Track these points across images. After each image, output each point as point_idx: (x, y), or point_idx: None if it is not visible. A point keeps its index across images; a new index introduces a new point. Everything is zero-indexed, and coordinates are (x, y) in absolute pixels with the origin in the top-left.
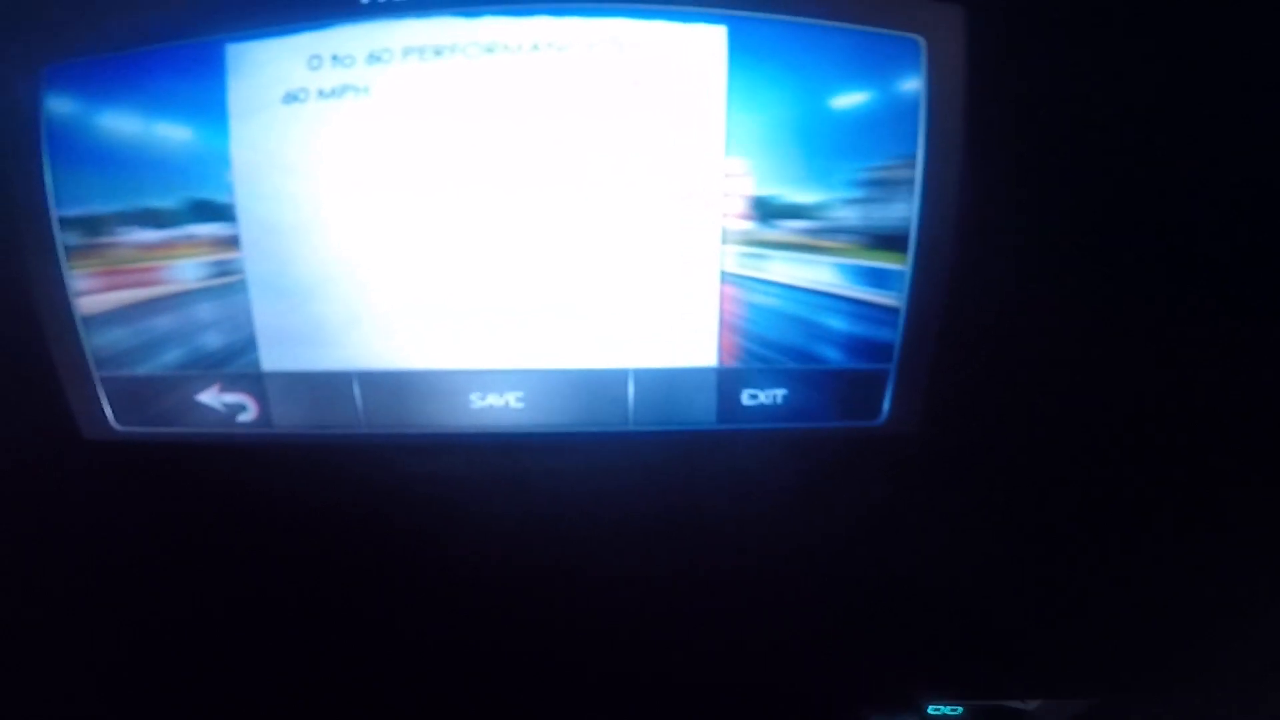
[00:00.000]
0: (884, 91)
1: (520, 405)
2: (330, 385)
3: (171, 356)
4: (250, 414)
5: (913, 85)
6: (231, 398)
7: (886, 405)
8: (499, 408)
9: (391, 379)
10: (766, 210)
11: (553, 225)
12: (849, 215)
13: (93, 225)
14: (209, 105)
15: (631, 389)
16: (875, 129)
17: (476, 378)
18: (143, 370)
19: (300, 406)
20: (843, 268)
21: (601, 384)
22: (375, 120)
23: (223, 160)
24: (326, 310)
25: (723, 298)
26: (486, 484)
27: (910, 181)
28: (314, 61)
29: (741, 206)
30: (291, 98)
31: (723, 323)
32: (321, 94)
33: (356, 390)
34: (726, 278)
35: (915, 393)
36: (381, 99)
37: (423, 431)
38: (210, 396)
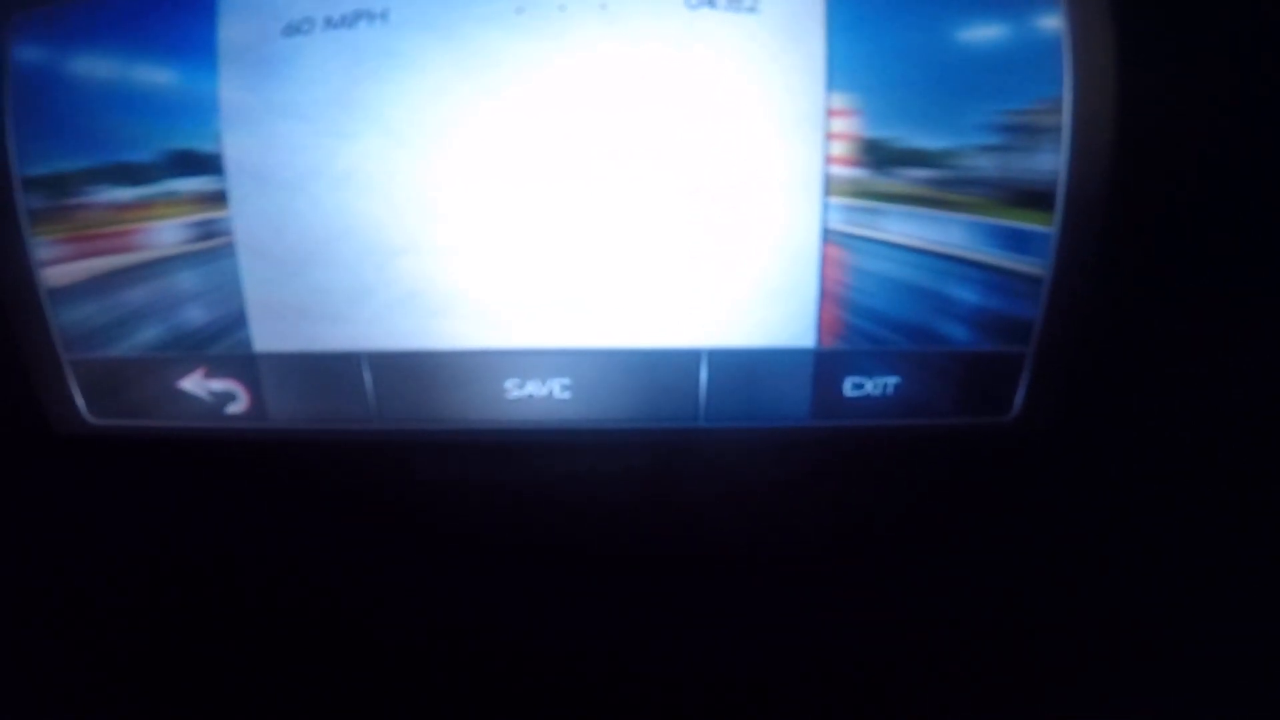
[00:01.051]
0: (1020, 19)
1: (566, 395)
2: (335, 369)
3: (149, 335)
4: (241, 404)
5: (1054, 14)
6: (219, 384)
7: (1020, 397)
8: (540, 398)
9: (409, 362)
10: (882, 156)
11: (608, 170)
12: (983, 165)
13: (58, 185)
14: (195, 40)
15: (704, 375)
16: (1012, 64)
17: (513, 360)
18: (117, 352)
19: (300, 395)
20: (974, 227)
21: (667, 368)
22: (394, 53)
23: (209, 104)
24: (331, 279)
25: (824, 261)
26: (524, 491)
27: (1056, 128)
28: None
29: (850, 151)
30: (294, 29)
31: (823, 293)
32: (330, 23)
33: (367, 375)
34: (830, 236)
35: (1056, 382)
36: (402, 27)
37: (447, 427)
38: (194, 383)
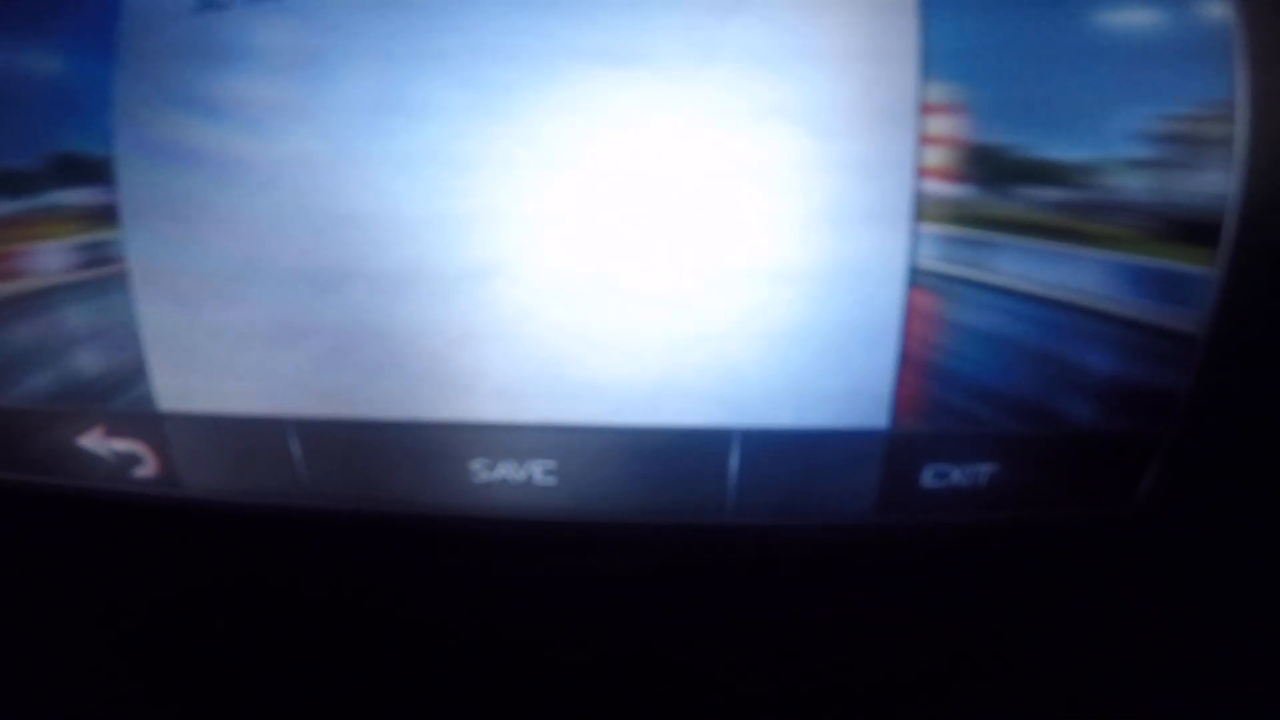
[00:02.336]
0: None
1: (551, 481)
2: (256, 438)
3: (40, 383)
4: (149, 468)
5: None
6: (122, 445)
7: (1149, 481)
8: (516, 484)
9: (347, 434)
10: (996, 169)
11: (610, 185)
12: (1131, 185)
13: None
14: (87, 16)
15: (735, 462)
16: (1169, 54)
17: (481, 437)
18: (5, 401)
19: (216, 464)
20: (1114, 268)
21: (684, 454)
22: (331, 30)
23: (100, 97)
24: (246, 320)
25: (909, 312)
26: (495, 597)
27: (1227, 141)
28: None
29: (952, 161)
30: (208, 3)
31: (904, 356)
32: None
33: (295, 446)
34: (919, 279)
35: (1197, 464)
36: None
37: (395, 511)
38: (95, 442)
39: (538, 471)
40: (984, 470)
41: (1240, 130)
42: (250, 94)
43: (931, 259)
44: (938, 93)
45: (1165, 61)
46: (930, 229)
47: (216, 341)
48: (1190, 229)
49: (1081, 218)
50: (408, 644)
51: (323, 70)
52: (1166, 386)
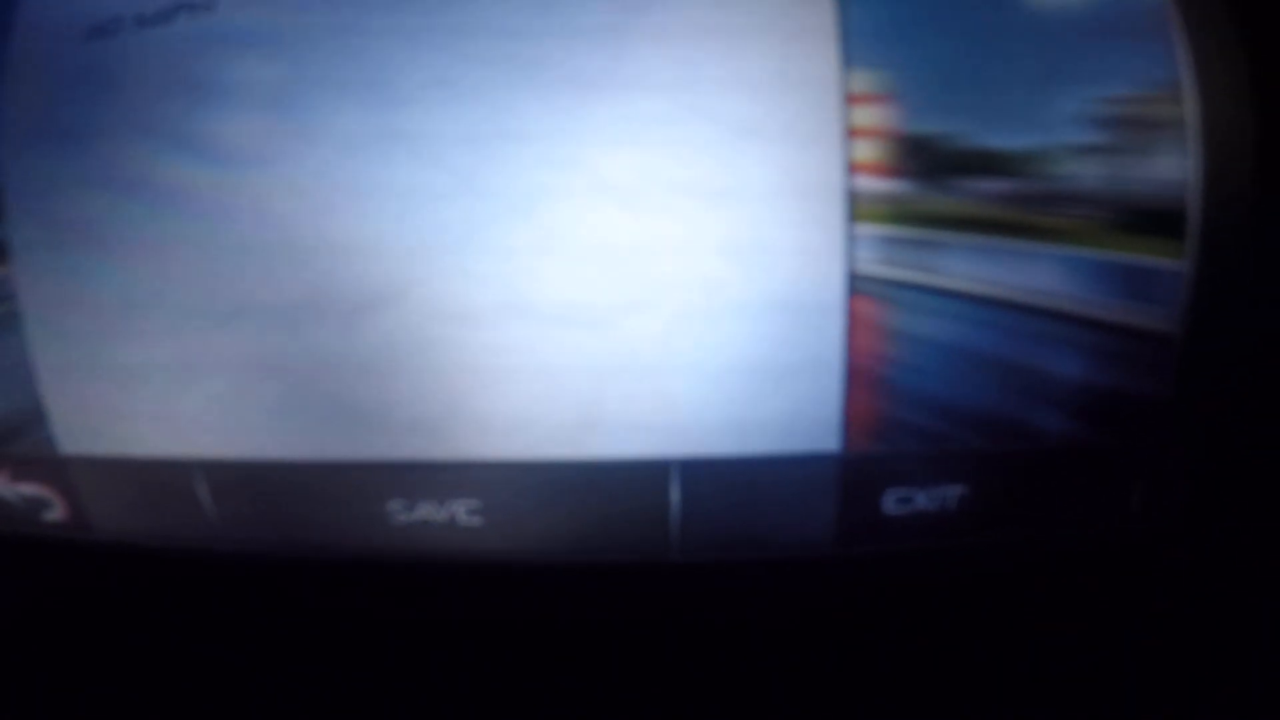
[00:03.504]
0: None
1: (476, 521)
2: (162, 480)
3: None
4: (57, 512)
5: None
6: (29, 489)
7: (1137, 499)
8: (438, 524)
9: (255, 475)
10: (933, 161)
11: (521, 197)
12: (1082, 172)
13: None
14: None
15: (676, 495)
16: (1108, 31)
17: (397, 476)
18: None
19: (125, 507)
20: (1073, 264)
21: (622, 486)
22: (222, 50)
23: None
24: (143, 359)
25: (851, 322)
26: (419, 644)
27: (1179, 123)
28: None
29: (884, 154)
30: (100, 30)
31: (850, 370)
32: (141, 20)
33: (202, 490)
34: (859, 285)
35: (1185, 477)
36: (233, 16)
37: (308, 555)
38: (1, 486)
39: (461, 511)
40: (951, 493)
41: (1190, 111)
42: (140, 121)
43: (871, 262)
44: (861, 81)
45: (1104, 39)
46: (867, 230)
47: (115, 381)
48: (1152, 218)
49: (1032, 211)
50: (325, 691)
51: (213, 97)
52: (1145, 392)
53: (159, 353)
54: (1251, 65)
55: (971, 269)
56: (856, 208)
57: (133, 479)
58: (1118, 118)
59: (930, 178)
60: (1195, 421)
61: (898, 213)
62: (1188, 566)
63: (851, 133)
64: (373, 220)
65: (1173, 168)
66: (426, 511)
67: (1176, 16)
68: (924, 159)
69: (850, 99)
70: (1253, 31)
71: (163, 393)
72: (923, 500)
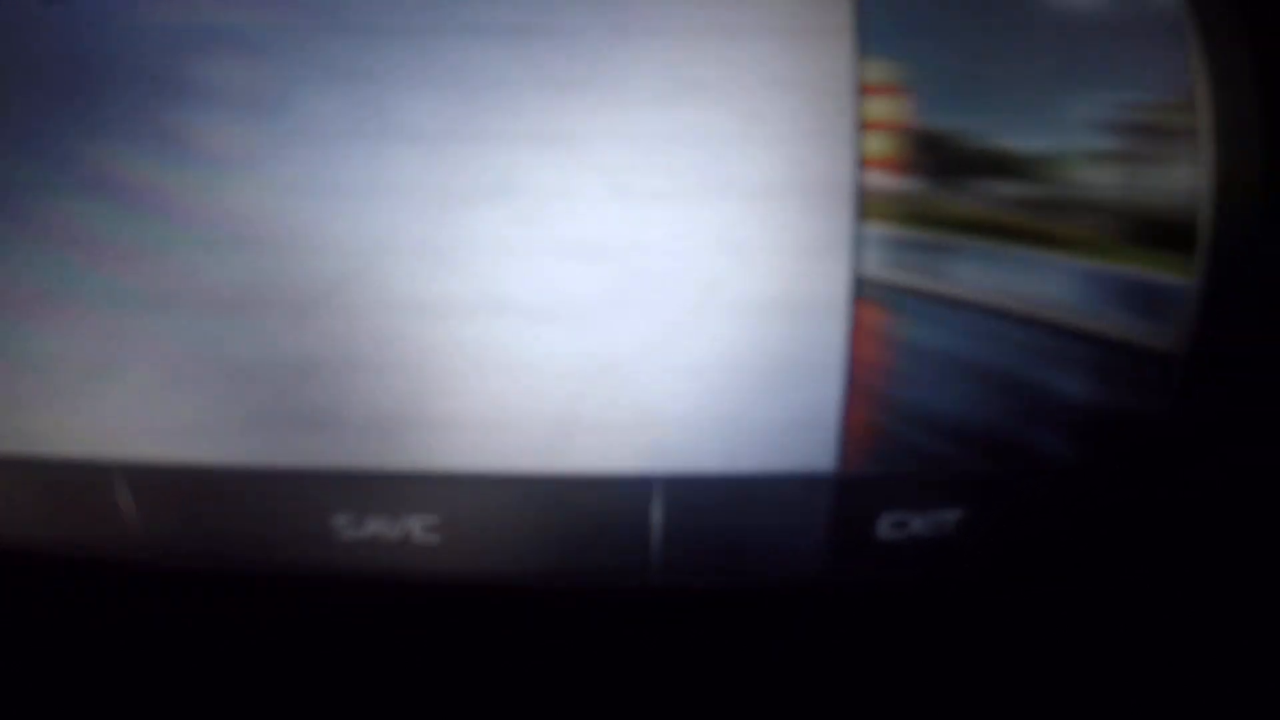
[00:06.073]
0: None
1: (433, 540)
2: (78, 483)
3: None
4: None
5: None
6: None
7: (1142, 519)
8: (391, 541)
9: (183, 482)
10: (948, 159)
11: (509, 183)
12: (1097, 180)
13: None
14: None
15: (658, 514)
16: (1124, 38)
17: (344, 487)
18: None
19: (37, 509)
20: (1082, 277)
21: (599, 504)
22: (175, 22)
23: None
24: (57, 350)
25: (856, 330)
26: (365, 670)
27: (1192, 132)
28: None
29: (898, 150)
30: None
31: (852, 384)
32: None
33: (123, 495)
34: (866, 290)
35: (1191, 496)
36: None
37: (247, 570)
38: None
39: (416, 528)
40: (949, 517)
41: (1203, 120)
42: (84, 80)
43: (879, 265)
44: (876, 71)
45: (1119, 43)
46: (876, 229)
47: (22, 373)
48: (1162, 230)
49: (1043, 217)
50: (263, 714)
51: (177, 55)
52: (1149, 412)
53: (74, 345)
54: (1264, 75)
55: (980, 277)
56: (866, 205)
57: (44, 480)
58: (1131, 124)
59: (943, 176)
60: (1199, 444)
61: (908, 212)
62: (1195, 592)
63: (865, 125)
64: (327, 202)
65: (1184, 177)
66: (377, 527)
67: (1190, 23)
68: (938, 156)
69: (864, 89)
70: (1266, 41)
71: (77, 388)
72: (919, 524)
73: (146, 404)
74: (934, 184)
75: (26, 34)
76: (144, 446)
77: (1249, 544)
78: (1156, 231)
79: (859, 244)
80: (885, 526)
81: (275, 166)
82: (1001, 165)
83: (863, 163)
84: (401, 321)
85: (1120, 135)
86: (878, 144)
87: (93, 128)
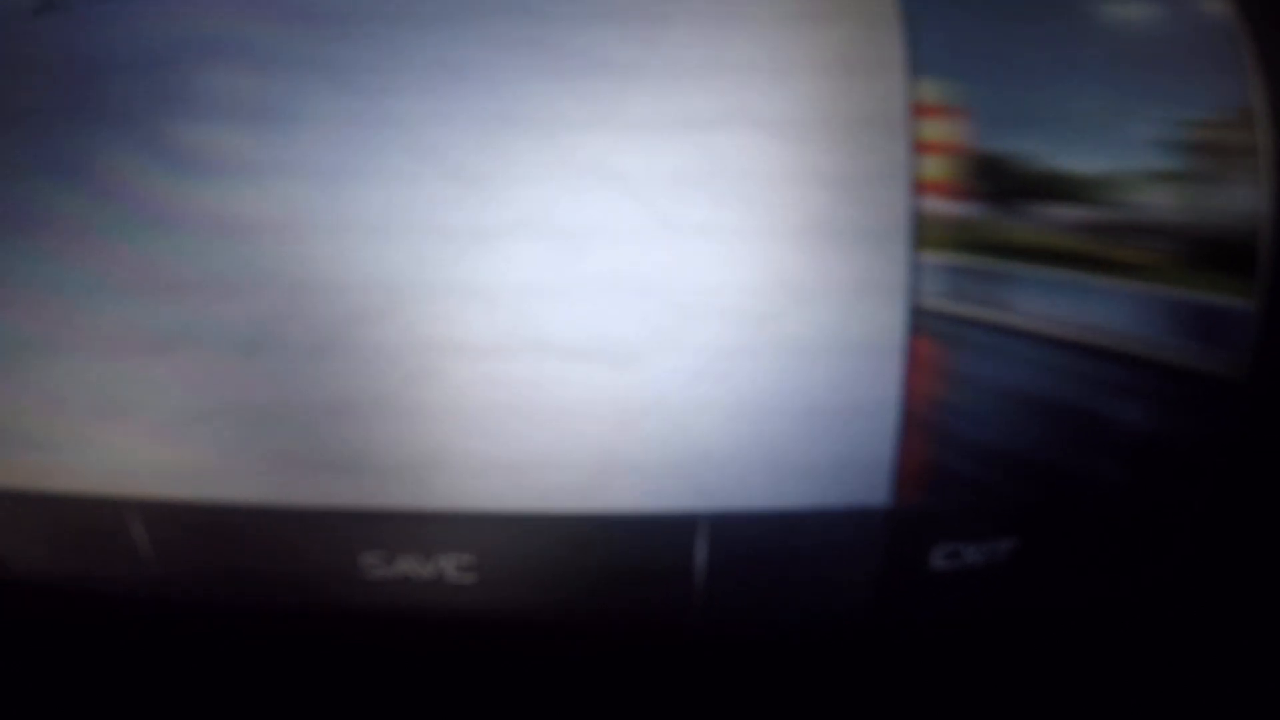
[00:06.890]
0: None
1: (469, 579)
2: (92, 521)
3: None
4: None
5: None
6: None
7: (1201, 550)
8: (423, 581)
9: (199, 519)
10: (1008, 183)
11: (547, 213)
12: (1157, 202)
13: None
14: None
15: (702, 553)
16: (1178, 52)
17: (373, 527)
18: None
19: (48, 546)
20: (1140, 302)
21: (640, 543)
22: (178, 30)
23: None
24: (71, 387)
25: (911, 364)
26: (389, 713)
27: (1251, 150)
28: None
29: (955, 173)
30: (49, 3)
31: (907, 418)
32: None
33: (139, 530)
34: (922, 322)
35: (1250, 527)
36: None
37: (266, 608)
38: None
39: (450, 568)
40: (1002, 547)
41: (1262, 138)
42: (86, 106)
43: (936, 296)
44: (931, 91)
45: (1176, 58)
46: (932, 258)
47: (34, 408)
48: (1222, 253)
49: (1103, 241)
50: None
51: (177, 71)
52: (1211, 441)
53: (91, 377)
54: None
55: (1040, 306)
56: (922, 233)
57: (57, 517)
58: (1190, 142)
59: (1001, 201)
60: (1263, 470)
61: (966, 239)
62: (1262, 621)
63: (918, 146)
64: (356, 231)
65: (1244, 198)
66: (408, 566)
67: (1246, 37)
68: (996, 180)
69: (918, 110)
70: None
71: (93, 425)
72: (972, 554)
73: (164, 442)
74: (993, 209)
75: (18, 44)
76: (160, 484)
77: None
78: (1216, 252)
79: (915, 274)
80: (938, 557)
81: (303, 201)
82: (1061, 188)
83: (918, 187)
84: (438, 358)
85: (1179, 153)
86: (933, 168)
87: (115, 142)
